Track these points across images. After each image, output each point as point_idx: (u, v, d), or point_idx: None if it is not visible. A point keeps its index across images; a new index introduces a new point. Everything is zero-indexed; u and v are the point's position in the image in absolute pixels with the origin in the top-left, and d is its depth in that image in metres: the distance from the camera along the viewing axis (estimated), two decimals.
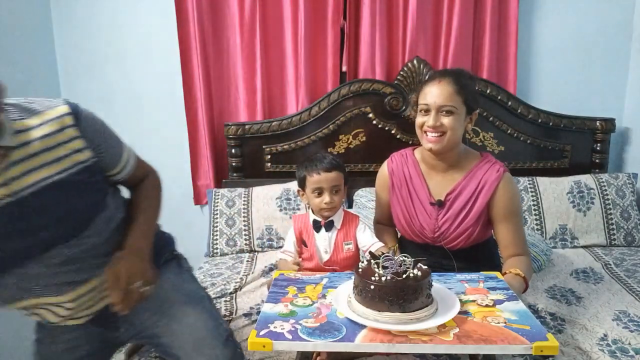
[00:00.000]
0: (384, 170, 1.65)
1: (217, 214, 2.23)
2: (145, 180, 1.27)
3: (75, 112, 1.07)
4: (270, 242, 2.18)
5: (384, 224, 1.70)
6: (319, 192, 1.52)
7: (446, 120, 1.42)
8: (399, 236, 1.69)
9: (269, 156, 2.38)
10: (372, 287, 1.06)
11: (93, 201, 1.09)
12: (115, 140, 1.16)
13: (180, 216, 2.46)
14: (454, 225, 1.50)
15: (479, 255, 1.55)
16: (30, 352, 1.14)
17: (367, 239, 1.51)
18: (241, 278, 1.89)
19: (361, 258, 1.55)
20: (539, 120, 2.33)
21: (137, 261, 1.08)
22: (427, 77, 1.55)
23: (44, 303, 1.10)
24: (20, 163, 0.99)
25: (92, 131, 1.09)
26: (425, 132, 1.46)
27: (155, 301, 1.18)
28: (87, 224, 1.07)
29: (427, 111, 1.45)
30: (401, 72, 2.31)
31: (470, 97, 1.45)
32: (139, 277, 1.06)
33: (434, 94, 1.43)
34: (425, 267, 1.12)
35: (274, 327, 1.06)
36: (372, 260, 1.14)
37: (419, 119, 1.47)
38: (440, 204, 1.51)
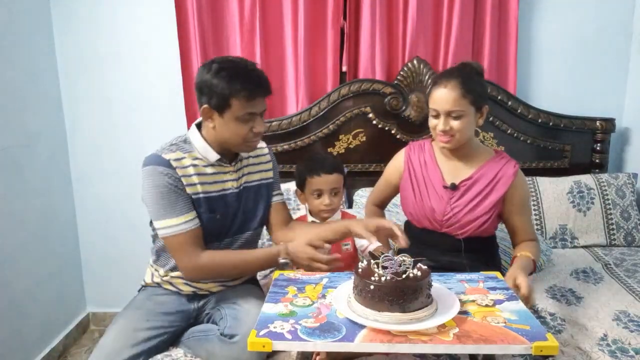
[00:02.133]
0: (400, 157, 1.71)
1: None
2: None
3: (268, 147, 1.66)
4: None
5: (378, 206, 1.78)
6: (319, 193, 1.52)
7: (455, 124, 1.47)
8: (404, 222, 1.72)
9: None
10: (372, 287, 1.06)
11: (265, 207, 1.59)
12: (279, 174, 1.68)
13: None
14: (464, 211, 1.53)
15: (486, 248, 1.58)
16: (30, 352, 1.16)
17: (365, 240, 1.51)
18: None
19: (360, 257, 1.55)
20: (539, 120, 2.33)
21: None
22: (434, 78, 1.60)
23: None
24: (246, 167, 1.54)
25: (274, 163, 1.65)
26: (437, 133, 1.53)
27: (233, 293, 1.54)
28: (262, 223, 1.60)
29: (436, 115, 1.50)
30: (401, 72, 2.31)
31: (477, 96, 1.47)
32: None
33: (442, 99, 1.47)
34: (425, 267, 1.12)
35: (274, 327, 1.06)
36: (372, 260, 1.14)
37: (431, 121, 1.53)
38: (454, 188, 1.55)
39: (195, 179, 1.42)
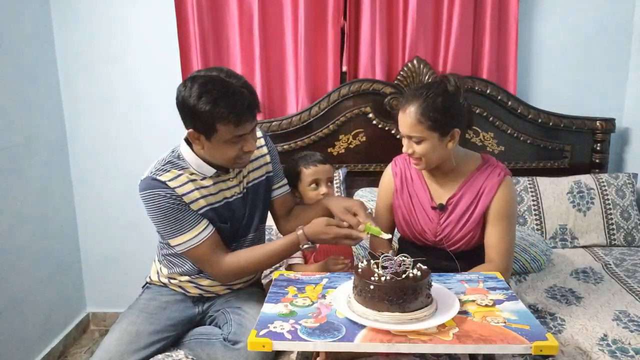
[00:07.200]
0: (388, 173, 1.65)
1: None
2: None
3: (265, 136, 1.56)
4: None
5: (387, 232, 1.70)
6: (316, 183, 1.55)
7: (417, 148, 1.44)
8: (399, 237, 1.70)
9: None
10: (372, 287, 1.06)
11: (264, 204, 1.54)
12: (280, 164, 1.60)
13: None
14: (455, 229, 1.50)
15: (479, 257, 1.56)
16: (30, 352, 1.16)
17: None
18: None
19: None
20: (539, 120, 2.33)
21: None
22: (403, 97, 1.52)
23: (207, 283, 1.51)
24: (246, 167, 1.47)
25: (273, 153, 1.56)
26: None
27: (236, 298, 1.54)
28: (263, 221, 1.56)
29: (403, 137, 1.48)
30: (401, 72, 2.31)
31: (437, 121, 1.39)
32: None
33: (401, 123, 1.45)
34: (425, 267, 1.12)
35: (274, 327, 1.06)
36: (371, 260, 1.14)
37: (403, 140, 1.50)
38: (441, 208, 1.51)
39: (196, 194, 1.38)
